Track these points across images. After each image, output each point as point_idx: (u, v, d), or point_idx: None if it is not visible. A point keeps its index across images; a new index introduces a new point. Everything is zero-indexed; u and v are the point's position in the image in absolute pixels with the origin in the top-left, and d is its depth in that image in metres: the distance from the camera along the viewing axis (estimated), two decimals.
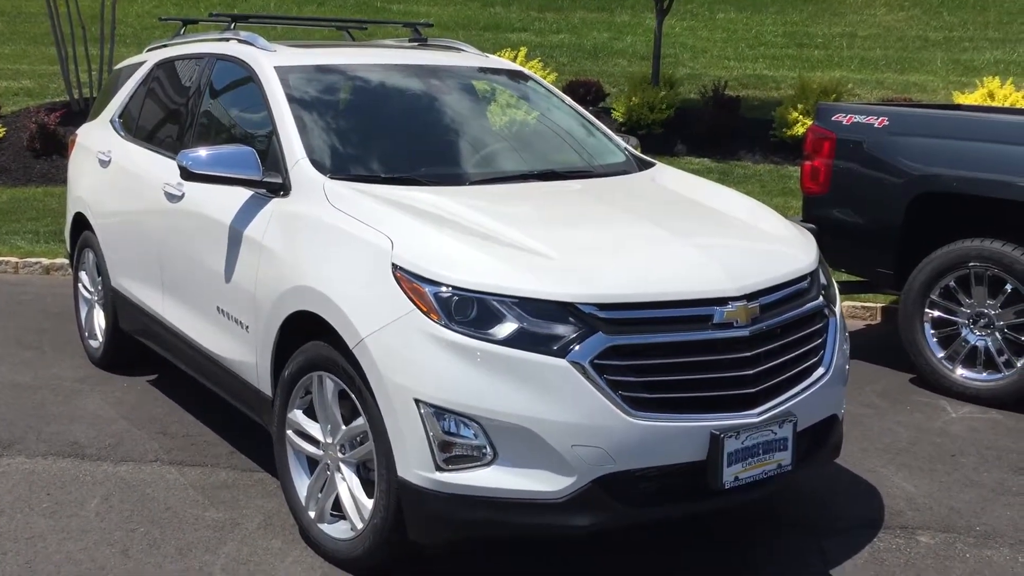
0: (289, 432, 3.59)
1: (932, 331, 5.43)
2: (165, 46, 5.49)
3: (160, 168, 4.63)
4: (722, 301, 3.11)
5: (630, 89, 11.38)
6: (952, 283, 5.33)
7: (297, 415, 3.55)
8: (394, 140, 4.12)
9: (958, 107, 7.29)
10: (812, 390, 3.32)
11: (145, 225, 4.73)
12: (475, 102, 4.54)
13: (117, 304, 5.23)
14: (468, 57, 4.88)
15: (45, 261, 8.00)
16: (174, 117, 4.86)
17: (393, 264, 3.13)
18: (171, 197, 4.42)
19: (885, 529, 3.79)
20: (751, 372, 3.13)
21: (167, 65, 5.16)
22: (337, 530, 3.44)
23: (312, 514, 3.53)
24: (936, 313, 5.40)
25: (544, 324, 2.97)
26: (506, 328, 2.97)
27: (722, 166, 10.65)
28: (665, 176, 4.27)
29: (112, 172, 5.19)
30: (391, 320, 3.06)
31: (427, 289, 3.03)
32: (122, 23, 11.69)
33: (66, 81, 11.73)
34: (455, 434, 2.98)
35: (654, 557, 3.56)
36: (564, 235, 3.36)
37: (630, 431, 2.95)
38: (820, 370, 3.39)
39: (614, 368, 2.96)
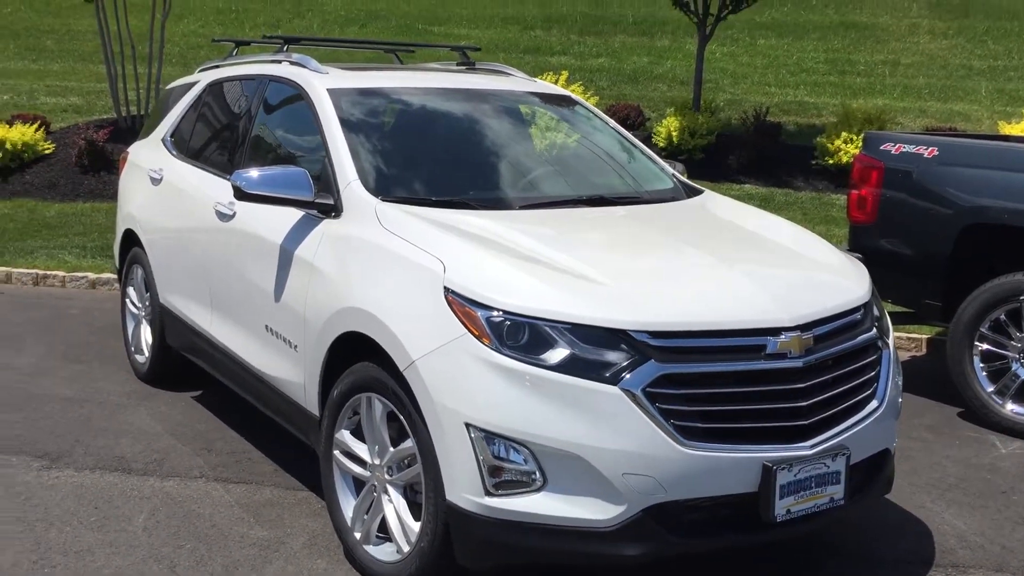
0: (336, 452, 3.60)
1: (981, 365, 5.34)
2: (217, 67, 5.58)
3: (211, 187, 4.69)
4: (775, 331, 3.09)
5: (672, 114, 11.37)
6: (1003, 316, 5.25)
7: (344, 435, 3.56)
8: (444, 163, 4.15)
9: (1006, 138, 7.20)
10: (865, 423, 3.28)
11: (195, 243, 4.78)
12: (523, 126, 4.56)
13: (164, 320, 5.29)
14: (516, 81, 4.91)
15: (91, 276, 8.12)
16: (226, 137, 4.92)
17: (445, 288, 3.14)
18: (222, 216, 4.47)
19: (936, 567, 3.72)
20: (804, 404, 3.09)
21: (219, 85, 5.24)
22: (383, 552, 3.44)
23: (358, 535, 3.53)
24: (986, 346, 5.32)
25: (596, 351, 2.97)
26: (558, 354, 2.96)
27: (763, 192, 10.60)
28: (715, 204, 4.25)
29: (163, 190, 5.27)
30: (442, 343, 3.07)
31: (479, 313, 3.03)
32: (168, 42, 11.89)
33: (114, 99, 11.95)
34: (505, 459, 2.97)
35: None
36: (616, 261, 3.35)
37: (682, 461, 2.93)
38: (873, 403, 3.35)
39: (666, 397, 2.94)
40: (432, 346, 3.09)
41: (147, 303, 5.59)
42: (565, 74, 12.71)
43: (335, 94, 4.19)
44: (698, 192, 4.38)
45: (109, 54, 11.78)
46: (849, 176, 6.09)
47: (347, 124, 4.04)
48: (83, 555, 3.65)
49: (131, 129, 11.65)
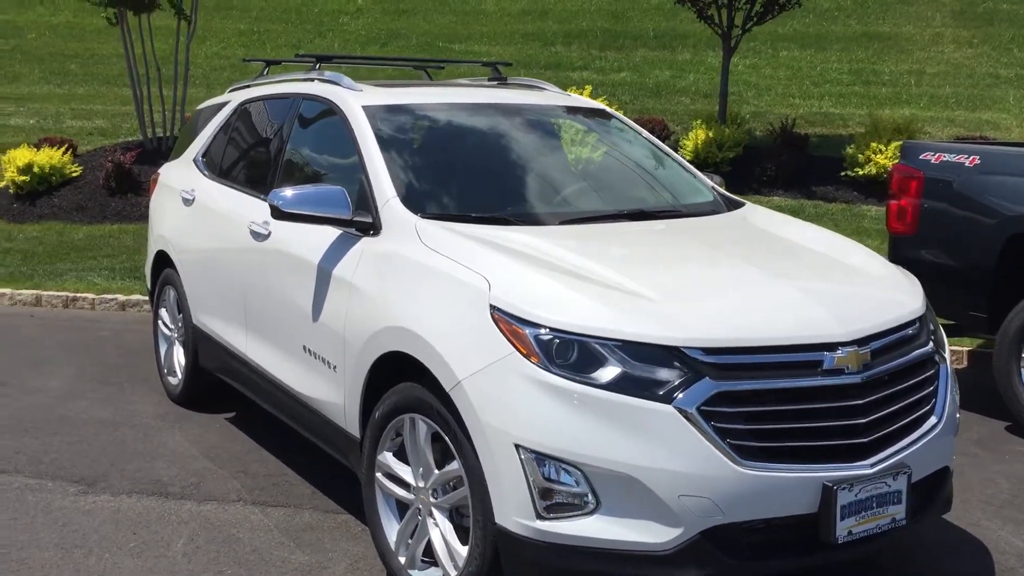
0: (378, 475, 3.53)
1: None
2: (248, 86, 5.55)
3: (246, 207, 4.65)
4: (832, 346, 3.00)
5: (698, 127, 11.30)
6: None
7: (387, 457, 3.49)
8: (482, 179, 4.09)
9: None
10: (925, 440, 3.18)
11: (229, 263, 4.74)
12: (559, 141, 4.51)
13: (198, 341, 5.25)
14: (550, 96, 4.85)
15: (121, 297, 8.12)
16: (259, 156, 4.89)
17: (491, 306, 3.07)
18: (257, 236, 4.43)
19: None
20: (863, 421, 3.00)
21: (252, 105, 5.21)
22: None
23: (402, 559, 3.45)
24: None
25: (648, 368, 2.89)
26: (609, 372, 2.89)
27: (793, 204, 10.48)
28: (757, 216, 4.17)
29: (196, 211, 5.24)
30: (489, 362, 3.00)
31: (527, 331, 2.96)
32: (192, 64, 11.93)
33: (140, 121, 12.00)
34: (556, 481, 2.89)
35: None
36: (664, 276, 3.27)
37: (739, 481, 2.84)
38: (932, 419, 3.25)
39: (722, 415, 2.86)
40: (479, 365, 3.02)
41: (180, 324, 5.55)
42: (589, 88, 12.66)
43: (370, 111, 4.14)
44: (739, 204, 4.30)
45: (135, 76, 11.83)
46: (888, 186, 5.99)
47: (383, 141, 3.99)
48: None
49: (157, 151, 11.69)
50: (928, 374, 3.30)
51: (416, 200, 3.74)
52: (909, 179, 5.67)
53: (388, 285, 3.50)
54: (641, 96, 15.08)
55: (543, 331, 2.95)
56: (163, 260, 5.66)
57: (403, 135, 4.13)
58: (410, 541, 3.44)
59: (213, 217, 5.00)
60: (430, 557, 3.39)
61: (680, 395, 2.84)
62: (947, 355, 3.48)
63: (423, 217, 3.62)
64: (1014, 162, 5.39)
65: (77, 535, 3.96)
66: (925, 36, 18.21)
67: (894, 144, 10.46)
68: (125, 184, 10.81)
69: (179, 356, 5.63)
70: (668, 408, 2.83)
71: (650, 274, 3.24)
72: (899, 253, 5.70)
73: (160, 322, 5.84)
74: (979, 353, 6.51)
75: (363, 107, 4.17)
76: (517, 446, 2.90)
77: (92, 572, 3.66)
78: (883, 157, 10.29)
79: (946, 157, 5.55)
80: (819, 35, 18.67)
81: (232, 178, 5.03)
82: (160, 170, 6.12)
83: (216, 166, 5.31)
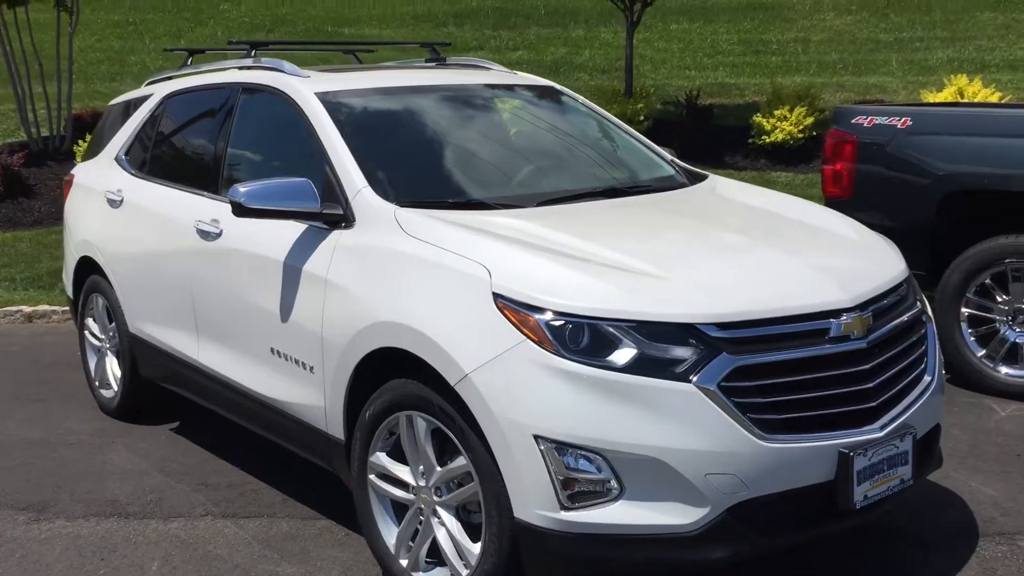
0: (372, 476, 3.39)
1: (970, 330, 5.39)
2: (170, 78, 5.26)
3: (189, 206, 4.39)
4: (837, 313, 3.00)
5: (606, 101, 11.32)
6: (988, 280, 5.31)
7: (381, 458, 3.35)
8: (451, 164, 3.95)
9: (974, 104, 7.32)
10: (923, 399, 3.23)
11: (173, 266, 4.48)
12: (521, 121, 4.40)
13: (136, 350, 4.96)
14: (500, 75, 4.74)
15: (26, 309, 7.64)
16: (199, 152, 4.62)
17: (494, 294, 2.95)
18: (206, 235, 4.19)
19: (984, 536, 3.71)
20: (871, 385, 3.02)
21: (180, 97, 4.93)
22: None
23: (404, 562, 3.32)
24: (973, 312, 5.37)
25: (664, 348, 2.83)
26: (624, 354, 2.82)
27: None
28: (728, 187, 4.16)
29: (126, 212, 4.93)
30: (499, 353, 2.89)
31: (537, 317, 2.87)
32: (63, 59, 11.28)
33: (23, 120, 11.31)
34: (578, 469, 2.81)
35: (754, 570, 3.41)
36: (663, 253, 3.22)
37: (763, 455, 2.82)
38: (927, 378, 3.31)
39: (741, 390, 2.83)
40: (487, 357, 2.90)
41: (112, 333, 5.24)
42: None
43: (326, 98, 3.95)
44: (703, 176, 4.29)
45: (14, 74, 11.13)
46: (821, 152, 6.09)
47: (344, 129, 3.80)
48: None
49: (44, 151, 11.07)
50: (920, 334, 3.35)
51: (390, 189, 3.58)
52: (843, 143, 5.76)
53: (372, 279, 3.34)
54: (539, 74, 14.83)
55: (554, 316, 2.86)
56: (88, 266, 5.31)
57: (363, 122, 3.95)
58: (411, 543, 3.31)
59: (149, 218, 4.71)
60: (433, 558, 3.28)
61: (700, 372, 2.80)
62: (931, 314, 3.54)
63: (401, 206, 3.47)
64: (944, 122, 5.54)
65: (39, 566, 3.69)
66: (807, 4, 18.74)
67: (798, 110, 10.71)
68: (15, 188, 10.17)
69: (113, 367, 5.31)
70: (688, 387, 2.78)
71: (649, 251, 3.18)
72: None
73: (87, 332, 5.50)
74: None
75: (317, 94, 3.97)
76: (537, 437, 2.81)
77: None
78: (789, 124, 10.52)
79: (878, 120, 5.66)
80: (705, 7, 19.01)
81: (168, 176, 4.74)
82: (74, 171, 5.76)
83: (144, 164, 5.01)
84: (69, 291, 5.70)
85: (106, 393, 5.37)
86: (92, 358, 5.49)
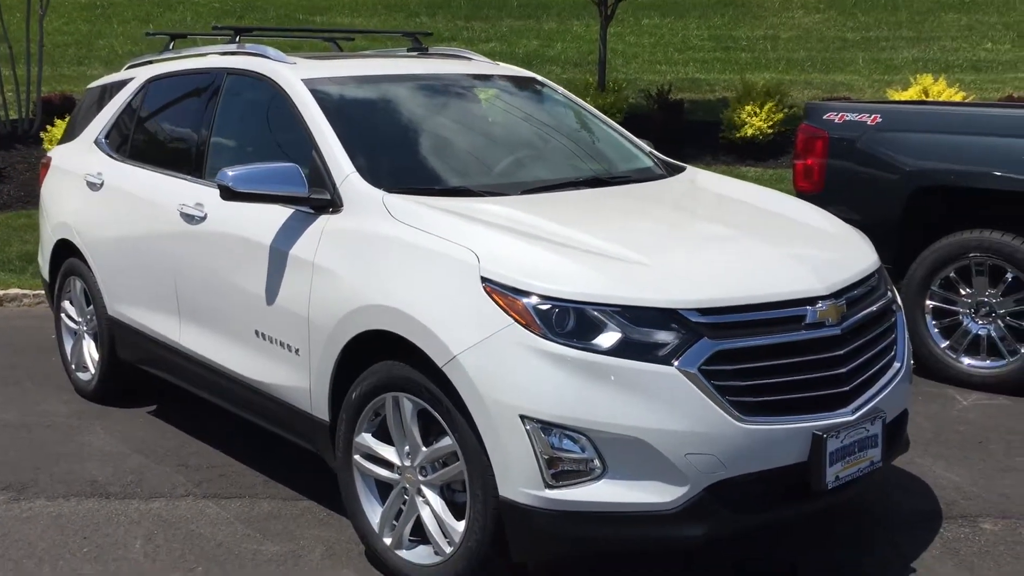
0: (357, 456, 3.45)
1: (934, 322, 5.55)
2: (151, 62, 5.26)
3: (172, 189, 4.42)
4: (812, 300, 3.11)
5: (579, 95, 11.40)
6: (952, 274, 5.46)
7: (366, 438, 3.41)
8: (436, 151, 4.02)
9: (942, 103, 7.48)
10: (893, 384, 3.36)
11: (155, 249, 4.50)
12: (504, 110, 4.47)
13: (115, 333, 4.97)
14: (483, 66, 4.80)
15: None
16: (183, 136, 4.64)
17: (482, 278, 3.03)
18: (189, 219, 4.22)
19: (947, 519, 3.85)
20: (844, 370, 3.13)
21: (163, 82, 4.94)
22: (418, 556, 3.32)
23: (388, 540, 3.39)
24: (937, 304, 5.52)
25: (647, 332, 2.92)
26: (609, 338, 2.91)
27: None
28: (706, 179, 4.26)
29: (106, 195, 4.94)
30: (486, 335, 2.96)
31: (524, 301, 2.95)
32: (33, 41, 11.16)
33: None
34: (563, 449, 2.90)
35: (727, 553, 3.53)
36: (647, 240, 3.31)
37: (740, 436, 2.92)
38: (896, 364, 3.43)
39: (721, 373, 2.93)
40: (474, 339, 2.98)
41: (90, 316, 5.24)
42: None
43: (312, 84, 4.00)
44: (681, 168, 4.39)
45: None
46: (793, 147, 6.22)
47: (332, 115, 3.85)
48: None
49: (13, 134, 10.95)
50: (890, 323, 3.48)
51: (378, 175, 3.63)
52: (814, 139, 5.89)
53: (361, 264, 3.40)
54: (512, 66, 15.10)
55: (541, 300, 2.94)
56: (65, 249, 5.31)
57: (350, 109, 4.00)
58: (395, 522, 3.38)
59: (131, 201, 4.72)
60: (417, 536, 3.35)
61: (682, 356, 2.89)
62: (900, 303, 3.66)
63: (389, 192, 3.53)
64: (913, 119, 5.69)
65: (22, 544, 3.72)
66: (776, 2, 18.94)
67: (768, 106, 10.87)
68: None
69: (90, 350, 5.32)
70: (671, 370, 2.88)
71: (634, 239, 3.27)
72: None
73: (64, 315, 5.49)
74: None
75: (303, 80, 4.02)
76: (523, 417, 2.89)
77: None
78: (759, 120, 10.68)
79: (849, 116, 5.79)
80: (676, 3, 19.13)
81: (150, 160, 4.76)
82: (51, 154, 5.74)
83: (126, 147, 5.02)
84: (45, 274, 5.69)
85: (83, 376, 5.37)
86: (68, 341, 5.49)
